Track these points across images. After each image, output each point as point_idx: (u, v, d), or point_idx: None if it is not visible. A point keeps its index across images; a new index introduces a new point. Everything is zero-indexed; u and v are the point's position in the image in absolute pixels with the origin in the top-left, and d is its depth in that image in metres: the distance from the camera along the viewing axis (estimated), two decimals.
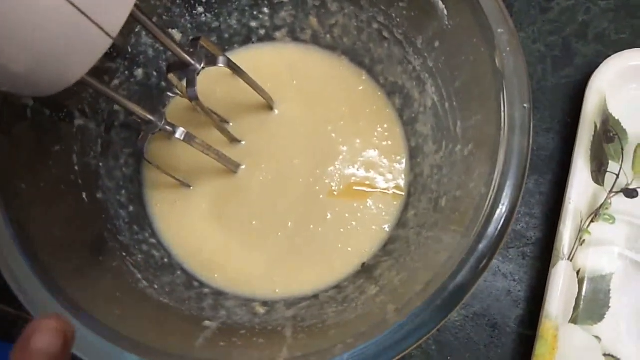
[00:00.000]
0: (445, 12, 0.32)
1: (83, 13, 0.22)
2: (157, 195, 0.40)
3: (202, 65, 0.34)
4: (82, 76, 0.24)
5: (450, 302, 0.25)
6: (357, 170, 0.40)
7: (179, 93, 0.38)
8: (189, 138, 0.34)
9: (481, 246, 0.25)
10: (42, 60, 0.22)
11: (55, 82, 0.24)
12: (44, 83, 0.24)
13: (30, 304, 0.25)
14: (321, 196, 0.40)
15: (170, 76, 0.35)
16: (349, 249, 0.38)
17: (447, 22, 0.32)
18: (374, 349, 0.24)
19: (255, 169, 0.41)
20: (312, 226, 0.39)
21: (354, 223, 0.39)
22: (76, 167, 0.33)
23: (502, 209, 0.26)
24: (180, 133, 0.34)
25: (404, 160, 0.41)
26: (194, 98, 0.34)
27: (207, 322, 0.31)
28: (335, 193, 0.40)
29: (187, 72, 0.33)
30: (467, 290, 0.25)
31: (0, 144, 0.28)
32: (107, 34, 0.23)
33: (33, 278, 0.26)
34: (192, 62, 0.33)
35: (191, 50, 0.33)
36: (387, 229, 0.39)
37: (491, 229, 0.26)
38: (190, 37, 0.35)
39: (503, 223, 0.26)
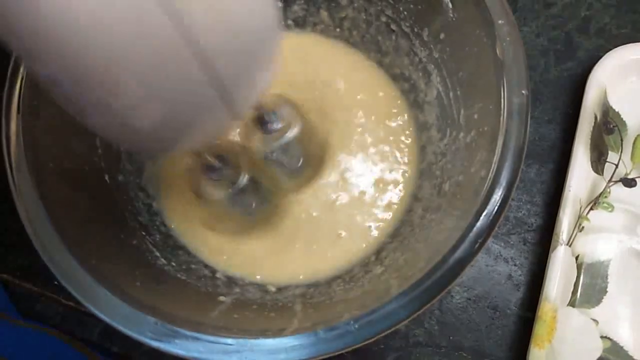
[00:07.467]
0: (450, 5, 0.33)
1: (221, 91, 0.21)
2: (166, 184, 0.41)
3: None
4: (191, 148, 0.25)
5: (450, 274, 0.26)
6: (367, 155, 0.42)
7: None
8: None
9: (480, 223, 0.27)
10: (164, 125, 0.21)
11: (164, 147, 0.25)
12: (155, 146, 0.24)
13: (60, 273, 0.27)
14: None
15: None
16: None
17: (451, 15, 0.34)
18: (378, 316, 0.26)
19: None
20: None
21: None
22: (99, 150, 0.35)
23: (499, 189, 0.27)
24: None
25: None
26: None
27: (221, 297, 0.33)
28: None
29: None
30: (466, 263, 0.26)
31: (31, 127, 0.30)
32: (232, 115, 0.23)
33: (62, 250, 0.28)
34: None
35: None
36: None
37: (489, 207, 0.27)
38: None
39: (501, 202, 0.27)
